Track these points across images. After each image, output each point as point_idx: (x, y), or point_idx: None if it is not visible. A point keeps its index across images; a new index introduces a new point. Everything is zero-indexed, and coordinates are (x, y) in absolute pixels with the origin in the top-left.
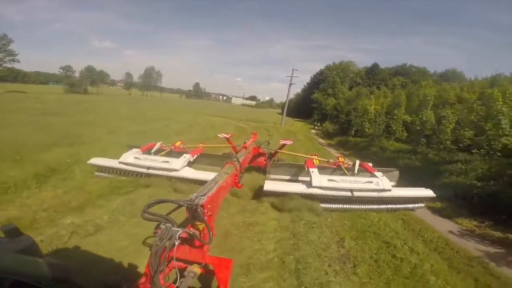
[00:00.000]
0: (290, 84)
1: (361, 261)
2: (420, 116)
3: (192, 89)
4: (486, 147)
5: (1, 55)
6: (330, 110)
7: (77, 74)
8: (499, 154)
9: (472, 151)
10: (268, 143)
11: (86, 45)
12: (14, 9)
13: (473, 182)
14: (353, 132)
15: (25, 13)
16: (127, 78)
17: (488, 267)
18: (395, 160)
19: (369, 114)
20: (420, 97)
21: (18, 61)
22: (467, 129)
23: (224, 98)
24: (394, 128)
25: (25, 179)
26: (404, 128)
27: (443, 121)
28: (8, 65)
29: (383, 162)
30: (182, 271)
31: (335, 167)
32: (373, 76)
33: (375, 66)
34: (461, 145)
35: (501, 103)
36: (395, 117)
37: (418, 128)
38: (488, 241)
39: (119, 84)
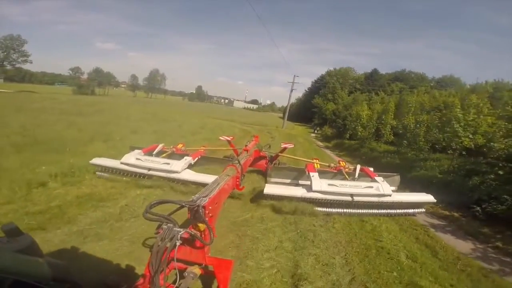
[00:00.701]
0: (292, 90)
1: (338, 221)
2: (402, 121)
3: (194, 92)
4: (453, 147)
5: (15, 56)
6: (330, 115)
7: (85, 76)
8: (464, 153)
9: (448, 151)
10: (269, 146)
11: (89, 46)
12: (18, 10)
13: (435, 174)
14: (348, 135)
15: (29, 14)
16: (133, 80)
17: (428, 231)
18: (379, 159)
19: (362, 119)
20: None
21: (31, 62)
22: (436, 131)
23: (226, 101)
24: (383, 132)
25: (85, 165)
26: (392, 131)
27: (417, 125)
28: (22, 66)
29: (370, 161)
30: (182, 271)
31: (335, 171)
32: (372, 82)
33: (374, 72)
34: (437, 146)
35: (458, 109)
36: (382, 122)
37: (400, 131)
38: (436, 216)
39: (123, 85)
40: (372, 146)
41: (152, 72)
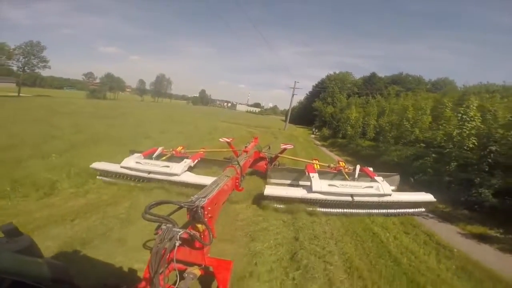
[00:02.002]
0: (293, 95)
1: None
2: (378, 121)
3: (198, 95)
4: (409, 139)
5: (35, 61)
6: (328, 118)
7: (97, 81)
8: (423, 144)
9: (417, 144)
10: (269, 148)
11: (92, 50)
12: (23, 14)
13: (393, 159)
14: (340, 134)
15: (32, 17)
16: (140, 85)
17: None
18: (361, 152)
19: (351, 121)
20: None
21: (49, 67)
22: (403, 128)
23: (229, 105)
24: (367, 130)
25: None
26: (375, 130)
27: (387, 125)
28: (41, 71)
29: (354, 153)
30: (181, 272)
31: (335, 171)
32: (371, 85)
33: (373, 75)
34: (404, 140)
35: (409, 111)
36: (366, 122)
37: (378, 130)
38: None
39: (128, 90)
40: (357, 143)
41: (158, 77)
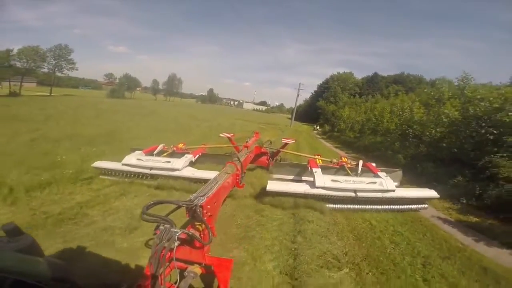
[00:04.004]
0: (297, 96)
1: None
2: (362, 117)
3: (206, 94)
4: (380, 130)
5: (63, 63)
6: (330, 115)
7: (115, 81)
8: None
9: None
10: (270, 142)
11: (101, 49)
12: (34, 15)
13: (365, 143)
14: (336, 129)
15: (43, 19)
16: (154, 84)
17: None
18: (348, 141)
19: (343, 118)
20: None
21: (77, 69)
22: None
23: (235, 103)
24: (355, 125)
25: (197, 141)
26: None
27: (365, 120)
28: (69, 73)
29: (343, 142)
30: (182, 271)
31: (338, 167)
32: (373, 84)
33: (375, 75)
34: (380, 131)
35: (376, 109)
36: (353, 119)
37: (361, 124)
38: (355, 156)
39: (138, 89)
40: (347, 135)
41: (170, 77)
